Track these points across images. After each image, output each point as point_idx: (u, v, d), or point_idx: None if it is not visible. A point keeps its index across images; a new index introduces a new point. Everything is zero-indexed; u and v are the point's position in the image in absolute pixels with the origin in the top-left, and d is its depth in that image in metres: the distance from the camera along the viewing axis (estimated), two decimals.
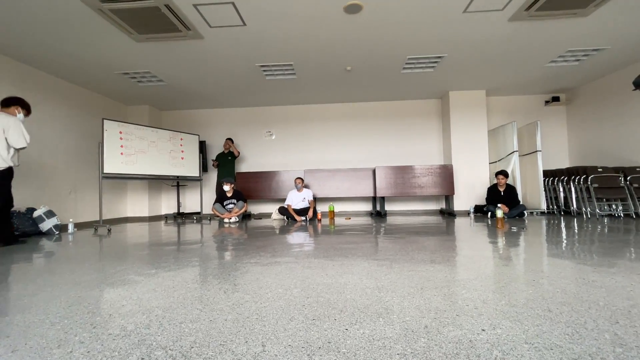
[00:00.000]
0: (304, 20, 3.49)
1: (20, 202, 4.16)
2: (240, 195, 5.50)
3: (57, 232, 4.15)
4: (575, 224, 3.93)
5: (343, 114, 6.68)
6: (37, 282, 1.77)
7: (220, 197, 5.47)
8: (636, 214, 4.62)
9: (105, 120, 4.79)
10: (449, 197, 6.04)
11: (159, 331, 1.09)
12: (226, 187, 5.39)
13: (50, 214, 4.12)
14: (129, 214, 6.32)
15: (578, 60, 4.73)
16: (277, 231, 3.90)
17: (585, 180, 4.88)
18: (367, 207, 6.61)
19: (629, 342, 0.94)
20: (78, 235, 3.95)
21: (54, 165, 4.74)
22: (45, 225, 4.03)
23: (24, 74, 4.30)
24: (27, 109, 3.37)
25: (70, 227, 4.32)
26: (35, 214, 4.02)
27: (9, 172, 3.19)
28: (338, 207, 6.46)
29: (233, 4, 3.13)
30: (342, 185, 6.10)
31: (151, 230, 4.41)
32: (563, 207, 5.46)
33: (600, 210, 4.88)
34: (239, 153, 6.23)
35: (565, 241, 2.73)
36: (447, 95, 6.13)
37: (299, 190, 5.49)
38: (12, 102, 3.25)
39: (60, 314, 1.27)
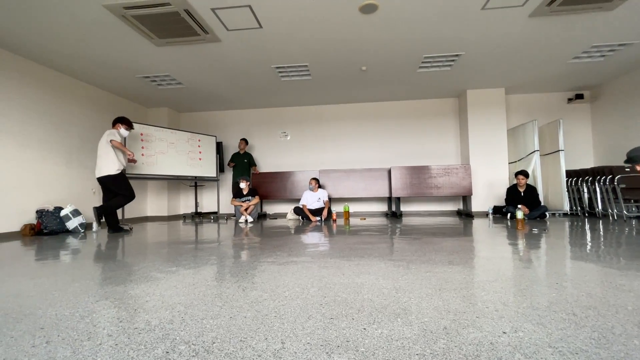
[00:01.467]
0: (320, 21, 3.51)
1: (48, 201, 4.37)
2: (256, 192, 5.67)
3: (83, 231, 4.32)
4: (601, 226, 3.78)
5: (358, 114, 6.67)
6: (66, 278, 1.85)
7: (237, 195, 5.62)
8: None
9: None
10: (466, 198, 5.93)
11: (181, 326, 1.13)
12: (242, 185, 5.54)
13: (76, 212, 4.30)
14: (149, 213, 6.51)
15: (603, 56, 4.55)
16: (293, 231, 3.93)
17: (612, 180, 4.68)
18: (383, 207, 6.57)
19: None
20: (102, 234, 4.10)
21: (80, 166, 4.94)
22: (72, 224, 4.21)
23: (50, 78, 4.52)
24: (127, 124, 4.29)
25: (95, 226, 4.48)
26: (62, 212, 4.20)
27: (123, 173, 4.20)
28: (353, 208, 6.45)
29: (250, 7, 3.18)
30: (357, 185, 6.08)
31: (170, 229, 4.53)
32: (587, 209, 5.26)
33: (627, 211, 4.67)
34: (258, 172, 6.40)
35: (590, 243, 2.63)
36: (465, 93, 6.02)
37: (314, 190, 5.51)
38: (116, 121, 4.25)
39: (88, 308, 1.33)
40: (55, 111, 4.57)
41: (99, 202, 5.27)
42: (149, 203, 6.53)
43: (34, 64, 4.28)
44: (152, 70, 4.75)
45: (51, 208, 4.21)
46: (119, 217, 4.55)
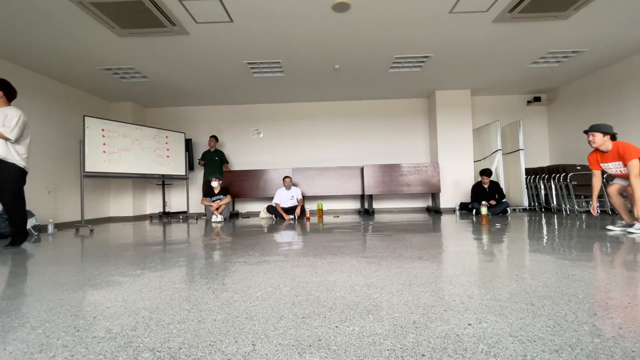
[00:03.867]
0: (292, 18, 3.47)
1: None
2: (227, 191, 5.53)
3: (36, 233, 4.01)
4: (556, 220, 4.07)
5: (331, 113, 6.69)
6: (16, 285, 1.70)
7: (207, 194, 5.47)
8: (612, 210, 4.81)
9: (86, 118, 4.64)
10: (435, 195, 6.15)
11: (145, 333, 1.07)
12: (214, 184, 5.40)
13: (28, 214, 3.96)
14: (112, 214, 6.16)
15: (558, 61, 4.88)
16: (266, 230, 3.88)
17: (565, 177, 5.05)
18: (356, 205, 6.65)
19: (606, 332, 0.98)
20: (58, 236, 3.82)
21: (32, 163, 4.55)
22: None
23: (1, 69, 4.13)
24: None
25: (50, 228, 4.18)
26: None
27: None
28: (326, 205, 6.47)
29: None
30: (331, 183, 6.11)
31: (136, 230, 4.31)
32: (544, 204, 5.63)
33: (579, 206, 5.06)
34: (230, 170, 6.25)
35: (546, 237, 2.82)
36: (434, 94, 6.22)
37: (287, 188, 5.47)
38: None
39: (41, 318, 1.23)
40: None
41: (54, 201, 4.92)
42: (112, 203, 6.17)
43: None
44: (115, 62, 4.47)
45: (0, 209, 3.86)
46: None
